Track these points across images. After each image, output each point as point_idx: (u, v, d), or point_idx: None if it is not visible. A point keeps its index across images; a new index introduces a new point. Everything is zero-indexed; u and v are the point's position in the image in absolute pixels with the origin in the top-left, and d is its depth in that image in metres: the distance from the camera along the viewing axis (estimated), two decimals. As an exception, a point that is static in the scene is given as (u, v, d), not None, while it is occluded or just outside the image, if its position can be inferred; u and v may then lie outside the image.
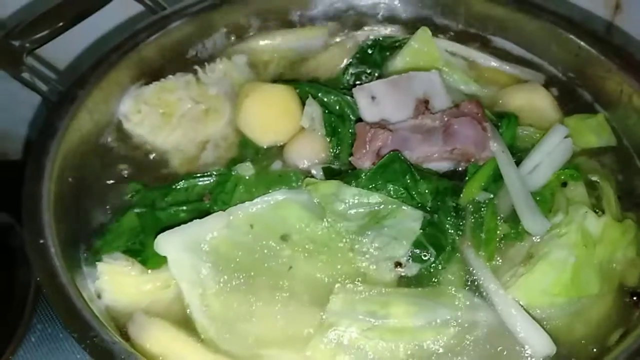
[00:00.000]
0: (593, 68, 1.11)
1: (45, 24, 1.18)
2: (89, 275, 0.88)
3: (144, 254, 0.88)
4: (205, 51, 1.25)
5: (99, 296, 0.86)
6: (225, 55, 1.23)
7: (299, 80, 1.15)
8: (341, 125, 1.07)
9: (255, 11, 1.29)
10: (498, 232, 0.91)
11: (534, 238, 0.90)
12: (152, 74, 1.18)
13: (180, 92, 1.13)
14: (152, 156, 1.07)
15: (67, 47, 1.22)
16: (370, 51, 1.21)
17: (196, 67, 1.19)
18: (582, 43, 1.12)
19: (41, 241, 0.82)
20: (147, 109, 1.11)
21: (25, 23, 1.17)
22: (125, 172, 1.04)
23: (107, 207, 0.98)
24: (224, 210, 0.91)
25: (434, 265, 0.89)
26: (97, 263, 0.87)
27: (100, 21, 1.21)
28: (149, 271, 0.87)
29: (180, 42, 1.23)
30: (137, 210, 0.93)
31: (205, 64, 1.19)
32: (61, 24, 1.19)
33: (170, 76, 1.16)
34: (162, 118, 1.11)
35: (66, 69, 1.28)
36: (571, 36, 1.14)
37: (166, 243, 0.85)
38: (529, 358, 0.81)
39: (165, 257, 0.86)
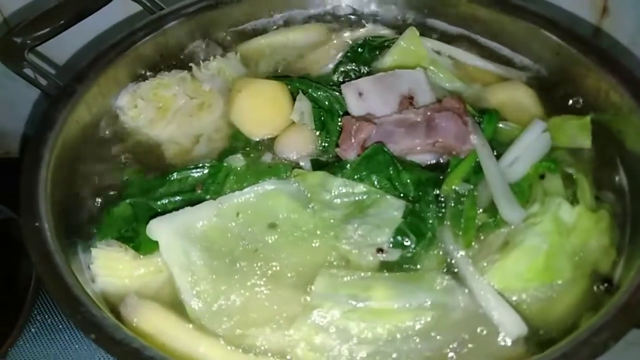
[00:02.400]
0: (573, 66, 1.15)
1: (46, 22, 1.23)
2: (84, 261, 0.92)
3: (137, 241, 0.92)
4: (201, 49, 1.29)
5: (92, 280, 0.90)
6: (219, 53, 1.27)
7: (290, 77, 1.19)
8: (330, 119, 1.11)
9: (249, 11, 1.33)
10: (477, 220, 0.95)
11: (510, 226, 0.94)
12: (148, 71, 1.23)
13: (175, 88, 1.17)
14: (147, 148, 1.11)
15: (67, 45, 1.27)
16: (360, 50, 1.25)
17: (191, 64, 1.23)
18: (562, 42, 1.16)
19: (36, 224, 0.86)
20: (143, 103, 1.15)
21: (27, 21, 1.22)
22: (121, 163, 1.08)
23: (102, 196, 1.02)
24: (215, 199, 0.96)
25: (414, 251, 0.92)
26: (91, 249, 0.91)
27: (99, 20, 1.26)
28: (142, 257, 0.91)
29: (177, 41, 1.27)
30: (130, 200, 0.97)
31: (200, 61, 1.24)
32: (62, 22, 1.24)
33: (166, 73, 1.21)
34: (158, 112, 1.15)
35: (65, 65, 1.33)
36: (552, 35, 1.18)
37: (158, 228, 0.89)
38: (502, 338, 0.85)
39: (157, 244, 0.90)
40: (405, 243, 0.92)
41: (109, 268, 0.90)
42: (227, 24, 1.33)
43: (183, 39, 1.28)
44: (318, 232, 0.94)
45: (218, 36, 1.32)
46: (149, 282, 0.91)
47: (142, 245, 0.91)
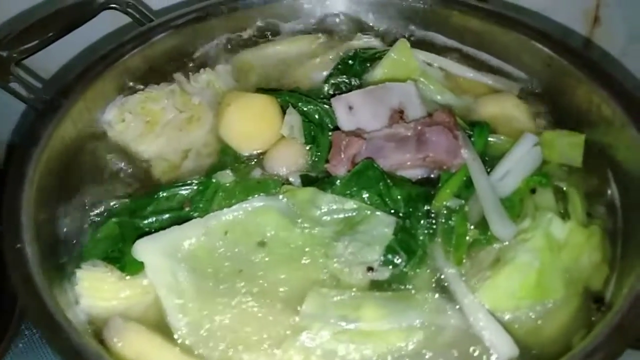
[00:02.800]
0: (564, 78, 1.14)
1: (33, 35, 1.22)
2: (68, 282, 0.90)
3: (122, 261, 0.90)
4: (190, 62, 1.28)
5: (77, 302, 0.88)
6: (209, 65, 1.26)
7: (280, 90, 1.18)
8: (320, 134, 1.10)
9: (239, 24, 1.32)
10: (468, 237, 0.94)
11: (501, 243, 0.93)
12: (137, 84, 1.21)
13: (164, 102, 1.16)
14: (134, 164, 1.09)
15: (54, 57, 1.25)
16: (351, 62, 1.24)
17: (180, 76, 1.22)
18: (553, 54, 1.16)
19: (18, 245, 0.84)
20: (131, 117, 1.14)
21: (13, 34, 1.21)
22: (107, 180, 1.06)
23: (88, 215, 1.00)
24: (202, 217, 0.94)
25: (405, 269, 0.91)
26: (75, 270, 0.89)
27: (87, 32, 1.24)
28: (128, 277, 0.89)
29: (166, 53, 1.26)
30: (117, 219, 0.95)
31: (190, 73, 1.22)
32: (49, 35, 1.23)
33: (155, 86, 1.20)
34: (146, 126, 1.13)
35: (52, 78, 1.31)
36: (543, 47, 1.17)
37: (144, 248, 0.88)
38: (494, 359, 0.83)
39: (143, 265, 0.88)
40: (396, 261, 0.91)
41: (94, 289, 0.88)
42: (217, 36, 1.31)
43: (173, 52, 1.27)
44: (307, 250, 0.93)
45: (208, 48, 1.31)
46: (135, 303, 0.89)
47: (128, 265, 0.90)
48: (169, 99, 1.16)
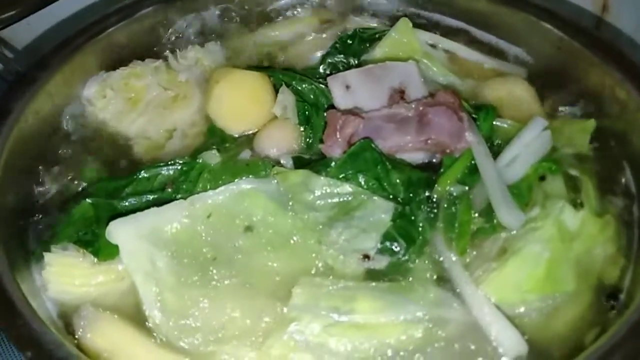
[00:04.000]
0: (575, 61, 1.08)
1: (9, 5, 1.14)
2: (36, 266, 0.83)
3: (96, 245, 0.83)
4: (179, 38, 1.21)
5: (45, 288, 0.81)
6: (198, 42, 1.19)
7: (273, 68, 1.11)
8: (315, 114, 1.03)
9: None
10: (472, 225, 0.87)
11: (509, 232, 0.86)
12: (120, 60, 1.14)
13: (148, 78, 1.09)
14: (114, 143, 1.02)
15: (30, 26, 1.17)
16: (349, 41, 1.18)
17: (167, 53, 1.14)
18: (563, 35, 1.09)
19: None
20: (112, 94, 1.07)
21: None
22: (85, 159, 0.99)
23: (62, 195, 0.93)
24: (186, 199, 0.87)
25: (403, 258, 0.85)
26: (44, 253, 0.82)
27: (68, 1, 1.16)
28: (101, 263, 0.82)
29: (153, 29, 1.19)
30: (92, 200, 0.88)
31: (177, 50, 1.15)
32: (28, 6, 1.15)
33: (139, 62, 1.12)
34: (128, 104, 1.06)
35: (27, 48, 1.23)
36: (552, 28, 1.11)
37: (119, 230, 0.80)
38: (501, 357, 0.76)
39: (117, 249, 0.81)
40: (394, 249, 0.85)
41: (63, 275, 0.81)
42: (210, 11, 1.24)
43: (160, 27, 1.19)
44: (298, 237, 0.86)
45: (199, 24, 1.23)
46: (108, 291, 0.82)
47: (101, 249, 0.82)
48: (153, 76, 1.09)
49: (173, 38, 1.20)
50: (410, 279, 0.83)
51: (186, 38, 1.21)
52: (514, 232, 0.86)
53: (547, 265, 0.80)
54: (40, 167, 0.96)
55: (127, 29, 1.15)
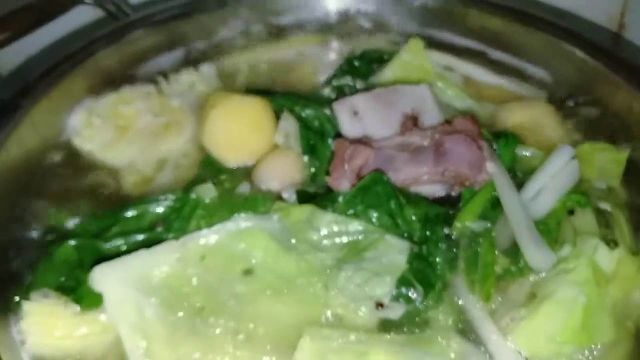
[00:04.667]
0: (599, 83, 1.01)
1: (-3, 29, 1.08)
2: (13, 317, 0.74)
3: (79, 292, 0.74)
4: (171, 62, 1.14)
5: (22, 342, 0.72)
6: (192, 65, 1.12)
7: (274, 92, 1.04)
8: (320, 143, 0.96)
9: (230, 19, 1.18)
10: (496, 267, 0.79)
11: (537, 274, 0.78)
12: (109, 85, 1.06)
13: (138, 104, 1.02)
14: (101, 177, 0.94)
15: (14, 51, 1.10)
16: (356, 63, 1.13)
17: (159, 77, 1.07)
18: (586, 57, 1.02)
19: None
20: (99, 122, 0.99)
21: (-26, 27, 1.07)
22: (69, 194, 0.91)
23: (43, 236, 0.84)
24: (177, 239, 0.78)
25: (421, 306, 0.77)
26: (22, 302, 0.73)
27: (54, 25, 1.10)
28: (84, 312, 0.74)
29: (143, 52, 1.13)
30: (74, 241, 0.79)
31: (169, 74, 1.08)
32: (13, 31, 1.09)
33: (129, 87, 1.05)
34: (117, 132, 0.99)
35: (11, 74, 1.15)
36: (574, 49, 1.04)
37: (103, 277, 0.72)
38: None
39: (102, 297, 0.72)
40: (411, 296, 0.76)
41: (43, 326, 0.73)
42: (203, 34, 1.17)
43: (151, 51, 1.12)
44: (303, 281, 0.78)
45: (192, 47, 1.16)
46: (92, 344, 0.74)
47: (85, 297, 0.74)
48: (144, 102, 1.02)
49: (165, 61, 1.12)
50: (430, 329, 0.75)
51: (179, 61, 1.14)
52: (544, 274, 0.77)
53: (583, 312, 0.72)
54: (21, 203, 0.88)
55: (116, 53, 1.08)
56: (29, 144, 0.93)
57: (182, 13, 1.15)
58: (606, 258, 0.77)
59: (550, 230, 0.82)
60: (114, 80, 1.05)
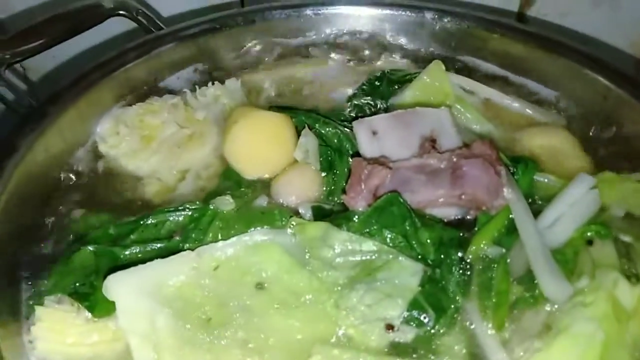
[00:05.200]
0: (623, 111, 0.99)
1: (31, 37, 1.11)
2: (25, 321, 0.75)
3: (92, 299, 0.76)
4: (198, 75, 1.16)
5: (32, 347, 0.74)
6: (218, 79, 1.14)
7: (296, 108, 1.05)
8: (338, 160, 0.96)
9: (258, 37, 1.21)
10: (510, 295, 0.78)
11: (553, 305, 0.76)
12: (137, 95, 1.09)
13: (164, 115, 1.04)
14: (124, 184, 0.96)
15: (46, 58, 1.14)
16: (377, 83, 1.13)
17: (186, 90, 1.10)
18: (609, 84, 1.01)
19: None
20: (126, 130, 1.02)
21: (10, 34, 1.11)
22: (92, 200, 0.93)
23: (64, 239, 0.86)
24: (193, 250, 0.79)
25: (432, 330, 0.75)
26: (35, 307, 0.75)
27: (89, 33, 1.13)
28: (96, 320, 0.75)
29: (172, 65, 1.15)
30: (92, 246, 0.81)
31: (196, 87, 1.10)
32: (48, 39, 1.13)
33: (157, 98, 1.08)
34: (142, 141, 1.01)
35: (41, 79, 1.18)
36: (597, 76, 1.03)
37: (118, 285, 0.73)
38: None
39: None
40: (422, 319, 0.75)
41: (54, 332, 0.74)
42: (231, 49, 1.19)
43: (179, 63, 1.15)
44: (315, 298, 0.78)
45: (220, 62, 1.19)
46: (102, 352, 0.75)
47: (98, 305, 0.75)
48: (170, 113, 1.04)
49: (192, 74, 1.15)
50: (440, 355, 0.74)
51: (206, 74, 1.16)
52: (559, 305, 0.76)
53: (601, 349, 0.70)
54: (43, 208, 0.90)
55: (145, 65, 1.11)
56: (55, 150, 0.96)
57: (211, 28, 1.17)
58: (627, 293, 0.75)
59: (567, 260, 0.81)
60: (142, 91, 1.08)
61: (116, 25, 1.25)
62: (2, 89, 1.02)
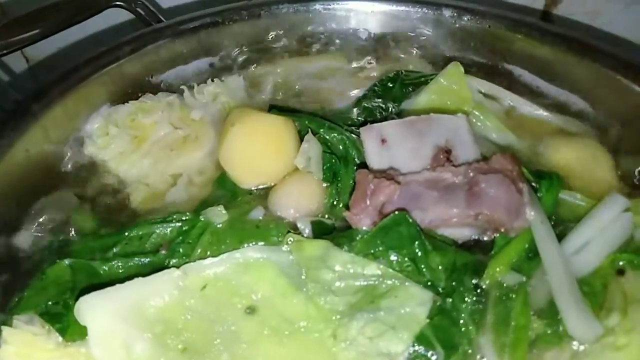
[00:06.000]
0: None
1: (23, 27, 1.06)
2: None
3: (64, 320, 0.69)
4: (197, 72, 1.09)
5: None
6: (219, 76, 1.07)
7: (299, 111, 0.97)
8: (343, 169, 0.89)
9: (260, 33, 1.13)
10: (530, 331, 0.69)
11: (578, 344, 0.68)
12: (131, 93, 1.02)
13: (158, 115, 0.97)
14: (109, 189, 0.89)
15: (35, 48, 1.07)
16: (390, 84, 1.05)
17: (183, 87, 1.02)
18: (646, 92, 0.91)
19: None
20: (116, 131, 0.95)
21: (1, 22, 1.05)
22: (76, 207, 0.86)
23: (42, 251, 0.79)
24: (179, 267, 0.72)
25: (441, 370, 0.67)
26: (2, 327, 0.68)
27: (94, 21, 1.06)
28: (69, 344, 0.68)
29: (169, 60, 1.08)
30: (69, 260, 0.74)
31: (194, 84, 1.03)
32: (41, 29, 1.06)
33: (151, 95, 1.00)
34: (132, 143, 0.94)
35: (27, 72, 1.11)
36: (632, 84, 0.93)
37: (91, 308, 0.66)
38: None
39: (89, 329, 0.67)
40: (430, 357, 0.67)
41: (21, 356, 0.67)
42: (232, 45, 1.12)
43: (177, 59, 1.08)
44: (310, 326, 0.71)
45: (221, 57, 1.11)
46: (73, 381, 0.67)
47: (70, 327, 0.69)
48: (164, 112, 0.97)
49: (191, 71, 1.08)
50: (449, 398, 0.66)
51: (205, 71, 1.08)
52: (586, 345, 0.67)
53: (633, 400, 0.61)
54: (22, 215, 0.83)
55: (141, 60, 1.04)
56: (38, 152, 0.89)
57: (212, 22, 1.10)
58: (663, 334, 0.67)
59: (595, 292, 0.72)
60: (136, 88, 1.01)
61: (114, 16, 1.18)
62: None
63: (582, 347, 0.67)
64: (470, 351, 0.69)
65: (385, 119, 0.97)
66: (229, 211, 0.82)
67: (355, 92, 1.06)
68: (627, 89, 0.94)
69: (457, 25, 1.09)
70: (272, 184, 0.88)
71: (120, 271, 0.76)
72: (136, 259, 0.77)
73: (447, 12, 1.09)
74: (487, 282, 0.74)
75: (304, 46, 1.14)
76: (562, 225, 0.80)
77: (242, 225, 0.80)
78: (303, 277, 0.73)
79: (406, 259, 0.73)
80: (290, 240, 0.76)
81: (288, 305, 0.71)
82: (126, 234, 0.78)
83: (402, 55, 1.13)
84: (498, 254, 0.76)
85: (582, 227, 0.77)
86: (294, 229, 0.80)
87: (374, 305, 0.70)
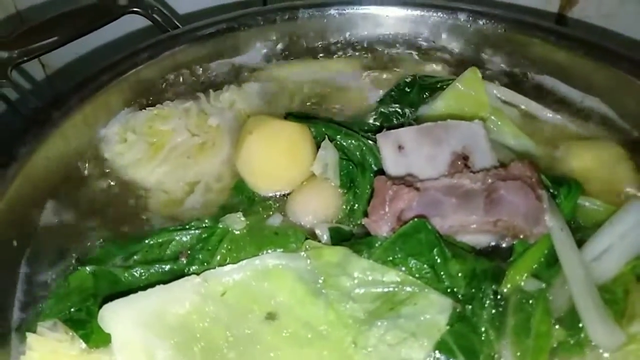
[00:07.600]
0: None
1: (40, 35, 1.07)
2: (16, 350, 0.70)
3: (88, 327, 0.70)
4: (214, 78, 1.10)
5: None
6: (235, 82, 1.07)
7: (315, 118, 0.97)
8: (360, 176, 0.89)
9: (278, 36, 1.13)
10: (551, 339, 0.69)
11: (600, 352, 0.67)
12: (148, 99, 1.03)
13: (175, 121, 0.97)
14: (128, 196, 0.90)
15: (53, 56, 1.09)
16: (407, 89, 1.05)
17: (200, 94, 1.03)
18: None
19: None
20: (134, 137, 0.95)
21: (19, 31, 1.06)
22: (89, 215, 0.86)
23: (62, 257, 0.80)
24: (199, 274, 0.73)
25: (461, 377, 0.67)
26: (27, 334, 0.69)
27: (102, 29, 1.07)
28: (92, 350, 0.69)
29: (186, 67, 1.08)
30: (90, 267, 0.75)
31: (211, 91, 1.04)
32: (57, 37, 1.08)
33: (169, 102, 1.01)
34: (150, 150, 0.95)
35: (47, 80, 1.12)
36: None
37: (114, 316, 0.67)
38: None
39: (112, 335, 0.67)
40: (450, 364, 0.67)
41: (45, 363, 0.67)
42: (249, 50, 1.13)
43: (194, 64, 1.09)
44: (330, 333, 0.71)
45: (236, 64, 1.12)
46: (96, 386, 0.68)
47: (94, 333, 0.69)
48: (181, 119, 0.97)
49: (207, 77, 1.08)
50: (470, 406, 0.66)
51: (222, 77, 1.09)
52: (609, 354, 0.67)
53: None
54: (40, 222, 0.84)
55: (159, 66, 1.05)
56: (57, 158, 0.90)
57: (228, 28, 1.11)
58: (687, 341, 0.67)
59: (616, 299, 0.72)
60: (153, 94, 1.02)
61: (131, 23, 1.19)
62: (7, 89, 0.97)
63: (605, 355, 0.67)
64: (492, 358, 0.69)
65: (402, 124, 0.96)
66: (247, 218, 0.82)
67: (372, 98, 1.06)
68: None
69: (472, 29, 1.09)
70: (290, 191, 0.89)
71: (142, 278, 0.76)
72: (157, 266, 0.77)
73: (462, 16, 1.09)
74: (507, 288, 0.74)
75: (320, 52, 1.14)
76: (582, 232, 0.79)
77: (261, 232, 0.81)
78: (322, 290, 0.73)
79: (425, 265, 0.73)
80: (308, 247, 0.77)
81: (307, 312, 0.71)
82: (147, 241, 0.79)
83: (419, 60, 1.13)
84: (517, 260, 0.76)
85: (602, 234, 0.77)
86: (312, 235, 0.81)
87: (393, 312, 0.71)
